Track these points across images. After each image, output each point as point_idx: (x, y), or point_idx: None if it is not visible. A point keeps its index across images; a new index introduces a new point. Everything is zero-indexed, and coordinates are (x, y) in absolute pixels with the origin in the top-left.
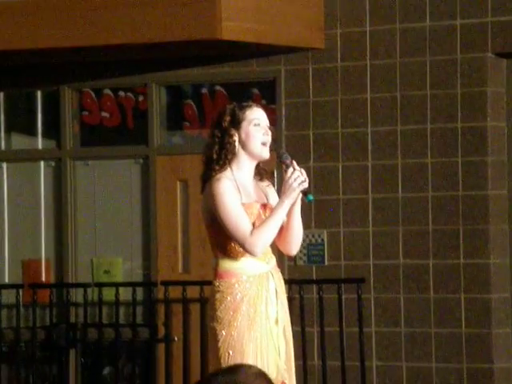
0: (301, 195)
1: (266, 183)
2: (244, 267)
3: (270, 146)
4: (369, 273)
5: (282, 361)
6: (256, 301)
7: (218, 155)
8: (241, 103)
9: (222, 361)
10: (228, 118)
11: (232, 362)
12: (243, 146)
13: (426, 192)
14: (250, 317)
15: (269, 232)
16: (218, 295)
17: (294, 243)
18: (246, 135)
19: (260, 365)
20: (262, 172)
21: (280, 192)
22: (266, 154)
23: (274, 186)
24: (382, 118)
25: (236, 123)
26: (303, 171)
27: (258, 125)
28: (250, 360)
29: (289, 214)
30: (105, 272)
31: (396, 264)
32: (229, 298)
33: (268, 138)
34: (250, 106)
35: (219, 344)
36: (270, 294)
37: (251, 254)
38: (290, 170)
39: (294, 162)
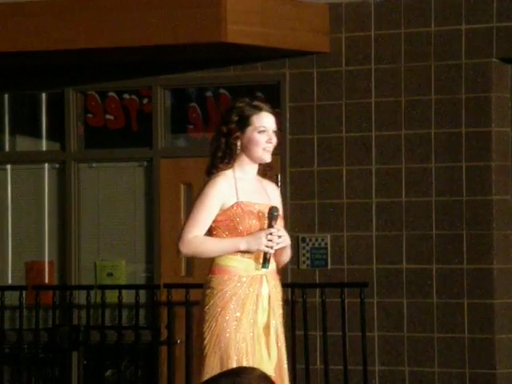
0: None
1: (268, 182)
2: (238, 266)
3: (275, 150)
4: (372, 277)
5: (270, 367)
6: (245, 302)
7: (223, 153)
8: (252, 102)
9: (207, 359)
10: (236, 118)
11: (217, 361)
12: (245, 149)
13: (429, 197)
14: (236, 317)
15: (204, 250)
16: (208, 291)
17: (281, 263)
18: (249, 141)
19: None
20: (267, 169)
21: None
22: (267, 158)
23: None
24: (386, 122)
25: (242, 126)
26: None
27: (263, 131)
28: (233, 361)
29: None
30: (108, 274)
31: (399, 268)
32: (218, 295)
33: (271, 146)
34: (259, 110)
35: (205, 342)
36: (263, 298)
37: (176, 249)
38: (275, 227)
39: (279, 224)
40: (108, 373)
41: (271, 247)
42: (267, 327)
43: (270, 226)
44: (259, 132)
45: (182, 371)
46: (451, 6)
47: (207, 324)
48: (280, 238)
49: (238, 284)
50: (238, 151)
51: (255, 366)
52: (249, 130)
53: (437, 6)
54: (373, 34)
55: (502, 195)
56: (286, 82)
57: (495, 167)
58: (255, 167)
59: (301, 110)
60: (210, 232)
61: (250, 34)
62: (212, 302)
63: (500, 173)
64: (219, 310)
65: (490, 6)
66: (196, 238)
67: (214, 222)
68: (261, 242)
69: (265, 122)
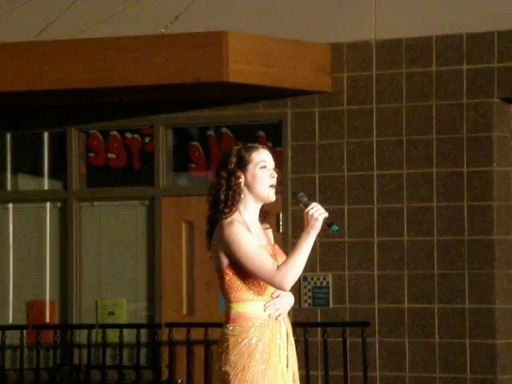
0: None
1: (266, 225)
2: (258, 311)
3: (276, 189)
4: (374, 316)
5: None
6: (270, 345)
7: (226, 197)
8: (247, 144)
9: None
10: (234, 160)
11: None
12: (249, 188)
13: (431, 236)
14: (264, 361)
15: (297, 264)
16: (232, 339)
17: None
18: (253, 178)
19: None
20: (265, 214)
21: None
22: (272, 196)
23: (278, 229)
24: (387, 161)
25: (242, 165)
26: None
27: (265, 167)
28: None
29: None
30: (109, 313)
31: (401, 308)
32: (243, 342)
33: (274, 181)
34: (256, 148)
35: None
36: (283, 337)
37: (281, 289)
38: (311, 203)
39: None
40: None
41: (322, 212)
42: (287, 364)
43: (304, 204)
44: (261, 168)
45: None
46: (452, 46)
47: (233, 372)
48: (318, 206)
49: (262, 329)
50: (242, 192)
51: None
52: (250, 167)
53: (438, 46)
54: (374, 74)
55: (504, 235)
56: (288, 121)
57: (497, 207)
58: (258, 208)
59: (302, 149)
60: (221, 276)
61: (251, 74)
62: (237, 349)
63: (502, 212)
64: (246, 356)
65: (491, 47)
66: (281, 267)
67: (228, 266)
68: (315, 219)
69: (265, 157)
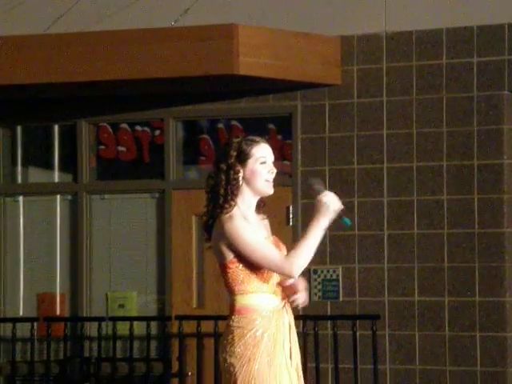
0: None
1: (261, 216)
2: (262, 303)
3: (275, 181)
4: (384, 309)
5: None
6: (276, 336)
7: (225, 190)
8: (247, 137)
9: None
10: (234, 153)
11: None
12: (247, 182)
13: (441, 229)
14: (269, 352)
15: (305, 252)
16: (237, 331)
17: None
18: (251, 172)
19: None
20: (261, 204)
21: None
22: (269, 189)
23: (288, 222)
24: (397, 154)
25: (242, 159)
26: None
27: (265, 163)
28: None
29: None
30: (119, 306)
31: (411, 301)
32: (249, 334)
33: (273, 176)
34: (257, 142)
35: (238, 381)
36: (285, 328)
37: (290, 276)
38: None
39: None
40: None
41: (337, 203)
42: (290, 356)
43: (316, 191)
44: (261, 163)
45: None
46: (463, 39)
47: (239, 364)
48: (333, 196)
49: (267, 320)
50: (240, 186)
51: None
52: (250, 162)
53: (448, 38)
54: (384, 67)
55: None
56: (298, 113)
57: (507, 199)
58: (255, 201)
59: (312, 142)
60: (224, 270)
61: (261, 67)
62: (243, 341)
63: None
64: (251, 348)
65: (501, 39)
66: (290, 254)
67: (232, 260)
68: (327, 207)
69: (265, 153)
